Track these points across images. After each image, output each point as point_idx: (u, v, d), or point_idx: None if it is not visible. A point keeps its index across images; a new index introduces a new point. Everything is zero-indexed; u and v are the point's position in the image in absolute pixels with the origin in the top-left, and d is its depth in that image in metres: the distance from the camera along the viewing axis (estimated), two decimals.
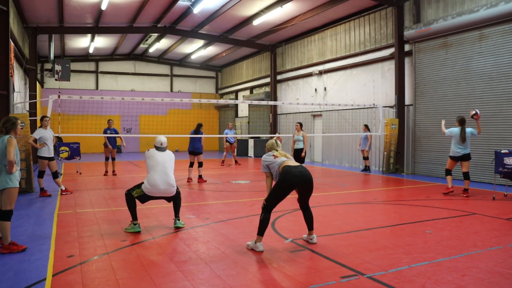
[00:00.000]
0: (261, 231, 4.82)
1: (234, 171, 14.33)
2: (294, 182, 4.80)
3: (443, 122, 9.53)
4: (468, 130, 8.78)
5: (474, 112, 8.79)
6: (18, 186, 4.92)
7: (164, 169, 5.71)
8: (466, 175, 8.84)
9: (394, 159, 13.42)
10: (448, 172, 9.10)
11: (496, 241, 5.22)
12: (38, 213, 7.15)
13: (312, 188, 5.00)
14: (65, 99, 10.64)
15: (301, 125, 11.37)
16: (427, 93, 12.63)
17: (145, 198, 5.78)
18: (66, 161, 14.78)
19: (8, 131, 4.93)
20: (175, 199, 5.95)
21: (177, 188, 5.95)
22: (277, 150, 5.18)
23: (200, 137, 11.14)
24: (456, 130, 8.84)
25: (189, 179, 11.19)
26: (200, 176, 11.18)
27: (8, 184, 4.79)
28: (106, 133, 12.57)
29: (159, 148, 5.90)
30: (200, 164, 11.22)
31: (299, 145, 10.96)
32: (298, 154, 10.83)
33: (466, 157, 8.78)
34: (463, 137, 8.69)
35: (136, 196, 5.75)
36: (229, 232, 5.71)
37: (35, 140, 8.83)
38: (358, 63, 15.40)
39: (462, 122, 8.83)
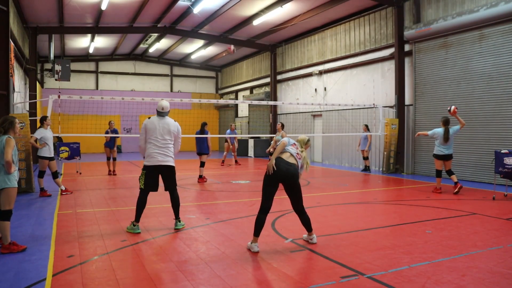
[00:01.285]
0: (256, 232, 4.81)
1: (234, 171, 14.33)
2: (278, 175, 4.75)
3: (422, 133, 9.70)
4: (451, 129, 9.00)
5: (448, 108, 9.13)
6: (16, 186, 4.91)
7: (164, 140, 5.73)
8: (450, 172, 9.08)
9: (394, 159, 13.42)
10: (439, 173, 9.24)
11: (496, 241, 5.22)
12: (38, 213, 7.15)
13: (296, 186, 4.89)
14: (65, 99, 10.65)
15: (282, 125, 11.44)
16: (427, 93, 12.63)
17: (150, 178, 5.69)
18: (66, 161, 14.79)
19: (7, 131, 4.92)
20: (172, 189, 5.85)
21: (175, 175, 5.90)
22: (302, 147, 5.11)
23: (207, 138, 11.11)
24: (439, 130, 9.07)
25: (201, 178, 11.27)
26: (200, 176, 11.19)
27: (6, 184, 4.79)
28: (108, 134, 12.69)
29: (161, 113, 5.84)
30: (202, 164, 11.22)
31: None
32: None
33: (449, 157, 9.03)
34: (446, 137, 8.92)
35: (143, 184, 5.68)
36: (229, 232, 5.71)
37: (36, 140, 8.83)
38: (358, 63, 15.39)
39: (446, 123, 9.05)
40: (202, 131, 11.18)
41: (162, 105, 5.88)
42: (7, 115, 5.22)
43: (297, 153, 4.97)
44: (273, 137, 12.84)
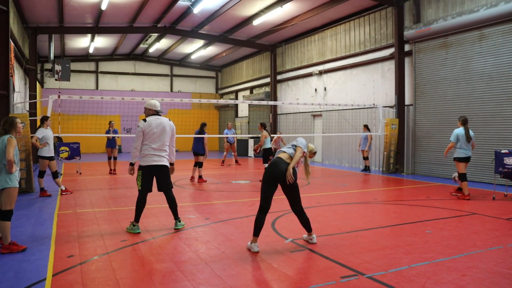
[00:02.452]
0: (255, 232, 4.81)
1: (234, 171, 14.33)
2: (277, 175, 4.76)
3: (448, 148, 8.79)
4: (471, 132, 8.56)
5: None
6: (17, 186, 4.91)
7: (161, 141, 5.68)
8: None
9: (394, 159, 13.42)
10: (464, 177, 8.52)
11: (496, 241, 5.22)
12: (38, 213, 7.14)
13: (295, 187, 4.89)
14: (65, 99, 10.66)
15: (263, 125, 11.48)
16: (427, 93, 12.63)
17: (147, 179, 5.66)
18: (66, 161, 14.79)
19: (7, 132, 4.92)
20: (167, 190, 5.81)
21: (169, 168, 5.87)
22: (312, 151, 5.13)
23: (203, 138, 11.13)
24: (460, 131, 8.50)
25: (192, 178, 11.22)
26: (200, 176, 11.19)
27: (7, 184, 4.79)
28: (109, 133, 12.98)
29: (156, 112, 5.79)
30: (200, 165, 11.22)
31: (267, 145, 11.18)
32: (267, 154, 11.01)
33: (469, 159, 8.58)
34: (468, 137, 8.40)
35: (141, 185, 5.64)
36: (229, 232, 5.71)
37: (37, 140, 8.82)
38: (358, 63, 15.40)
39: (465, 122, 8.57)
40: (201, 131, 11.18)
41: (156, 104, 5.84)
42: (8, 116, 5.22)
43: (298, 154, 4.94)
44: (273, 137, 12.88)
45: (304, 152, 4.93)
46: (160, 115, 5.87)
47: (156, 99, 6.23)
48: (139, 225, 5.82)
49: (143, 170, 5.68)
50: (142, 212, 5.76)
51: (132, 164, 5.79)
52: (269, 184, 4.80)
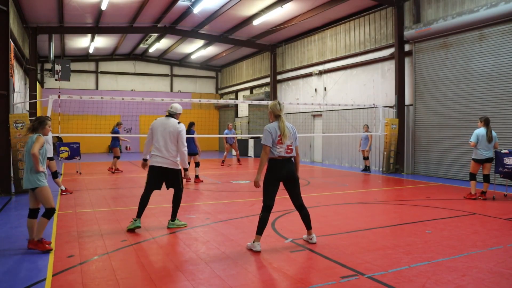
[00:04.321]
0: (259, 230, 4.83)
1: (234, 171, 14.33)
2: (280, 176, 4.84)
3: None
4: (494, 133, 8.31)
5: None
6: (47, 185, 4.96)
7: (164, 141, 5.77)
8: (487, 178, 8.40)
9: (394, 159, 13.42)
10: (473, 176, 8.43)
11: (496, 241, 5.22)
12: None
13: (296, 183, 4.96)
14: (65, 99, 10.66)
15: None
16: (427, 93, 12.63)
17: (152, 177, 5.81)
18: (66, 161, 14.78)
19: (35, 129, 4.99)
20: (176, 189, 5.90)
21: (180, 174, 5.94)
22: (281, 120, 4.99)
23: (194, 138, 11.08)
24: (481, 131, 8.23)
25: (188, 179, 11.18)
26: (196, 176, 11.16)
27: (39, 182, 4.83)
28: (118, 133, 13.30)
29: (168, 113, 5.97)
30: (197, 164, 11.19)
31: None
32: None
33: (490, 160, 8.32)
34: (489, 137, 8.16)
35: (147, 181, 5.82)
36: (229, 232, 5.71)
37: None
38: (358, 63, 15.39)
39: (487, 122, 8.32)
40: (188, 131, 11.10)
41: (172, 105, 6.05)
42: (41, 115, 5.31)
43: (288, 147, 4.86)
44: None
45: (266, 147, 4.81)
46: (174, 117, 5.98)
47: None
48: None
49: (150, 169, 5.89)
50: (144, 209, 5.83)
51: (145, 160, 6.06)
52: (273, 184, 4.85)
